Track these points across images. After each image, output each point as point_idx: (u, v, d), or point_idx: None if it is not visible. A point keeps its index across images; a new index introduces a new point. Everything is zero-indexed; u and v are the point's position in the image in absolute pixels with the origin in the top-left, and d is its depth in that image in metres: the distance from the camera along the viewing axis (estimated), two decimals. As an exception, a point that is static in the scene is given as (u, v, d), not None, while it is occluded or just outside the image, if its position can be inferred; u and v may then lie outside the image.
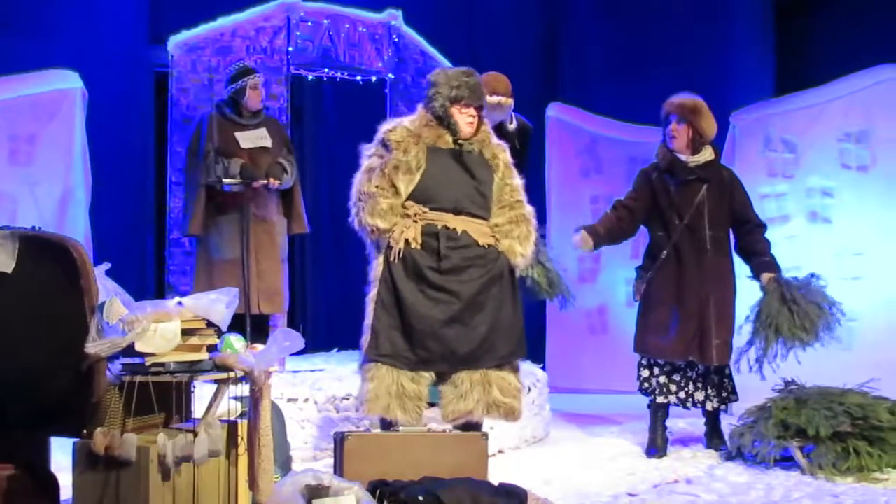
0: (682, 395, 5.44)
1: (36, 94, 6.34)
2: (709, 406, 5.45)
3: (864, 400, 5.03)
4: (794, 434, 4.96)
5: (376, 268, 4.38)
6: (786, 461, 5.00)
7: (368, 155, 4.44)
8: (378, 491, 3.66)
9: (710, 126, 5.47)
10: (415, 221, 4.31)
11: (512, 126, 5.69)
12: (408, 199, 4.34)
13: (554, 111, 8.21)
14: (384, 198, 4.31)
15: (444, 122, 4.39)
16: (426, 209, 4.32)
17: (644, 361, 5.50)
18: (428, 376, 4.32)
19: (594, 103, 8.52)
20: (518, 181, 4.54)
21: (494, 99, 5.44)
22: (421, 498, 3.58)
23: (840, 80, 6.97)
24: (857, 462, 4.81)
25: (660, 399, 5.44)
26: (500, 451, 5.39)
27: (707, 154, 5.48)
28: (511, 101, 5.60)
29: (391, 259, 4.31)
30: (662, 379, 5.43)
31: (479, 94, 4.44)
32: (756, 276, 5.47)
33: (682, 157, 5.44)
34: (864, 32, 7.96)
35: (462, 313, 4.29)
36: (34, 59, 6.55)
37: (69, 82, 6.42)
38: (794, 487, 4.62)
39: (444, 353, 4.27)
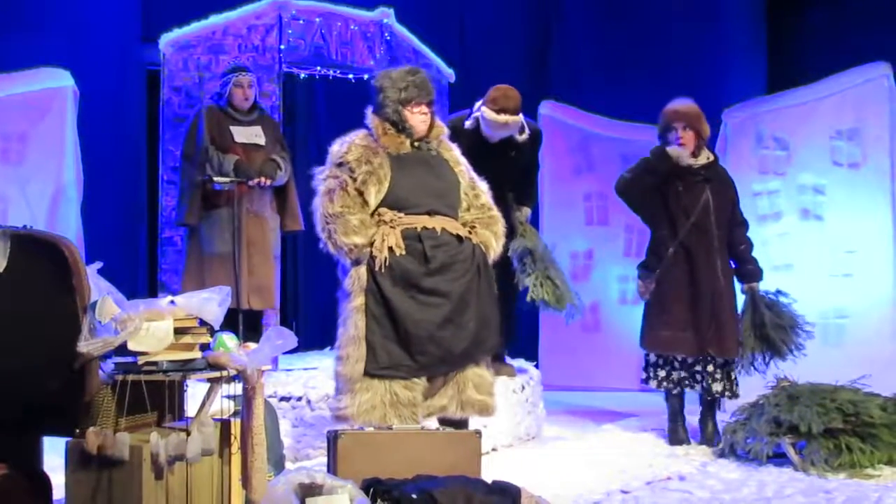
0: (695, 386, 5.59)
1: (27, 92, 6.32)
2: (726, 394, 5.56)
3: (855, 396, 5.05)
4: (787, 431, 4.97)
5: (358, 278, 4.32)
6: (778, 458, 5.02)
7: (323, 178, 4.39)
8: (372, 489, 3.65)
9: (707, 129, 5.65)
10: (392, 227, 4.30)
11: (523, 136, 5.52)
12: (379, 206, 4.33)
13: (546, 109, 8.21)
14: (352, 214, 4.27)
15: (399, 125, 4.40)
16: (401, 214, 4.32)
17: (659, 361, 5.61)
18: (422, 381, 4.33)
19: (586, 101, 8.52)
20: (485, 186, 4.59)
21: (502, 118, 5.32)
22: (415, 496, 3.57)
23: (831, 78, 7.00)
24: (849, 458, 4.82)
25: (675, 391, 5.60)
26: (493, 449, 5.39)
27: (707, 154, 5.64)
28: (518, 119, 5.43)
29: (376, 269, 4.28)
30: (680, 373, 5.56)
31: (428, 91, 4.44)
32: (740, 281, 5.68)
33: (687, 161, 5.55)
34: (855, 30, 8.00)
35: (453, 313, 4.29)
36: (25, 57, 6.52)
37: (60, 80, 6.40)
38: (786, 484, 4.63)
39: (442, 355, 4.28)
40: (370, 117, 4.47)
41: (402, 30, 7.47)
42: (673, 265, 5.53)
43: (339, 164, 4.37)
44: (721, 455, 5.24)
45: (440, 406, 4.35)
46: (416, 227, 4.31)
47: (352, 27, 7.25)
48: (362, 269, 4.32)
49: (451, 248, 4.33)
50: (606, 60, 8.99)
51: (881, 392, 5.19)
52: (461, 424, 4.38)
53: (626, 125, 8.16)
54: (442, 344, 4.26)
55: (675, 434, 5.61)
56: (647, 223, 5.75)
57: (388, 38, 7.39)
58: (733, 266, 5.65)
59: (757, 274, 5.66)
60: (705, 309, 5.46)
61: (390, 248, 4.26)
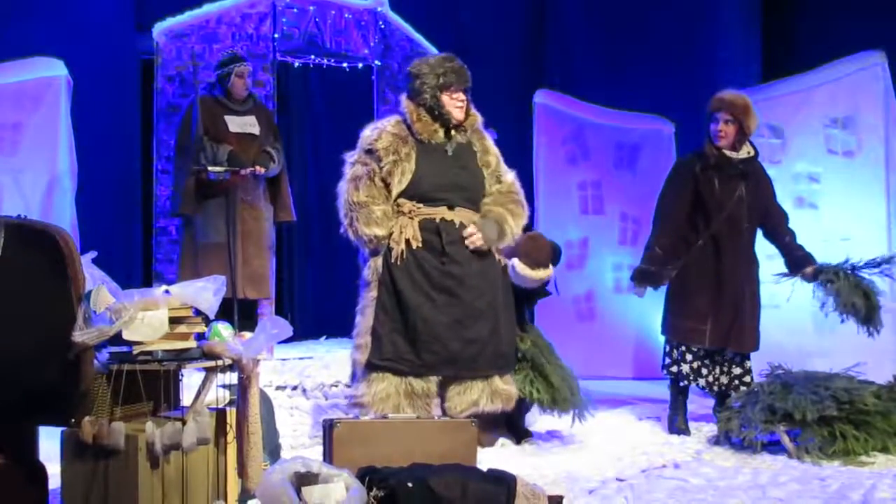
0: (710, 378, 5.55)
1: (20, 81, 6.29)
2: (740, 388, 5.53)
3: (850, 384, 5.06)
4: (781, 418, 4.98)
5: (375, 269, 4.33)
6: (773, 445, 5.03)
7: (352, 163, 4.38)
8: (367, 478, 3.65)
9: (755, 123, 5.56)
10: (410, 219, 4.29)
11: None
12: (399, 196, 4.32)
13: (541, 97, 8.19)
14: (377, 205, 4.28)
15: (435, 111, 4.37)
16: (420, 205, 4.31)
17: (677, 348, 5.57)
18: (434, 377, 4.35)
19: (581, 89, 8.51)
20: (513, 176, 4.57)
21: (540, 273, 4.92)
22: (410, 484, 3.57)
23: (826, 67, 6.99)
24: (843, 446, 4.84)
25: (684, 383, 5.56)
26: (488, 438, 5.39)
27: (748, 149, 5.57)
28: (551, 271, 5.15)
29: (392, 260, 4.27)
30: (696, 364, 5.52)
31: (465, 78, 4.44)
32: (794, 270, 5.63)
33: (729, 153, 5.51)
34: (850, 19, 7.98)
35: (464, 316, 4.29)
36: (18, 46, 6.50)
37: (54, 70, 6.38)
38: (780, 471, 4.64)
39: (447, 357, 4.29)
40: (404, 103, 4.44)
41: (396, 18, 7.46)
42: (701, 256, 5.49)
43: (369, 151, 4.34)
44: (716, 443, 5.25)
45: (472, 401, 4.36)
46: (434, 219, 4.30)
47: (346, 16, 7.24)
48: (379, 261, 4.33)
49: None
50: (602, 49, 8.98)
51: (875, 380, 5.21)
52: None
53: (622, 114, 8.15)
54: (448, 346, 4.26)
55: (675, 423, 5.59)
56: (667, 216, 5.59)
57: (383, 26, 7.37)
58: (784, 257, 5.65)
59: (810, 257, 5.61)
60: (728, 303, 5.45)
61: (407, 241, 4.25)
